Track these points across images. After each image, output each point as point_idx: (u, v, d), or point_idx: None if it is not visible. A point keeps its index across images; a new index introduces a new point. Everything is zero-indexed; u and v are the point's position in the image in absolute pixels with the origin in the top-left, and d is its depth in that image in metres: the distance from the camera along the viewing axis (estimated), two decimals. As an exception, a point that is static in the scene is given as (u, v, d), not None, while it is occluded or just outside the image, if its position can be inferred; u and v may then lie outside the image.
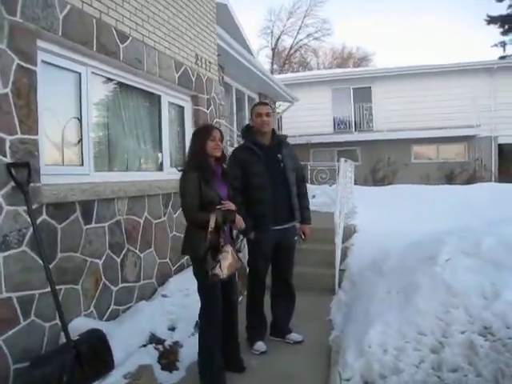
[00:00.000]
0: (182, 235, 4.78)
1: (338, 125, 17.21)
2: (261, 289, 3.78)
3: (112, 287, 3.75)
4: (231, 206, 3.09)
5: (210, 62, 5.70)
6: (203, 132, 3.17)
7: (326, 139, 16.50)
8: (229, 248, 3.05)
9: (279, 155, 3.64)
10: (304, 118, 16.36)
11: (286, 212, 3.62)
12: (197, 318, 4.10)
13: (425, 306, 3.31)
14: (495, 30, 26.64)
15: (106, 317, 3.66)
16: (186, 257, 4.98)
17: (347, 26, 49.44)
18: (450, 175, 16.19)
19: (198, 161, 3.05)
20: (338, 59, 34.73)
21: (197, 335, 3.95)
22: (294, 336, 3.84)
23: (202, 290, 3.18)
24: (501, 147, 16.95)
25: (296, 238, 3.79)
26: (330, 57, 35.38)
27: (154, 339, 3.58)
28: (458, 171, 16.21)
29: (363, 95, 16.83)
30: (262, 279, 3.78)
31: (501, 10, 28.14)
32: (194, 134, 3.23)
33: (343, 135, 16.56)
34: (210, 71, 5.71)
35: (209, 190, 3.02)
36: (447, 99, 15.70)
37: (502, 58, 23.78)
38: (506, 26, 25.89)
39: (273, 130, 3.74)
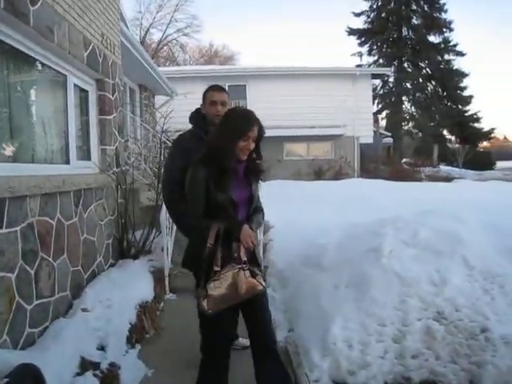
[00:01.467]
0: (93, 238, 4.26)
1: (213, 121, 17.17)
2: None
3: (26, 306, 3.03)
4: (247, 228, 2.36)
5: (114, 44, 5.06)
6: (238, 128, 2.41)
7: (200, 136, 16.35)
8: (230, 273, 2.28)
9: None
10: (179, 113, 15.93)
11: None
12: (127, 333, 3.63)
13: (382, 298, 3.34)
14: (355, 41, 29.63)
15: (20, 344, 2.94)
16: (97, 262, 4.35)
17: (216, 23, 49.96)
18: (318, 172, 17.33)
19: (214, 156, 2.37)
20: (205, 56, 34.79)
21: (131, 352, 3.48)
22: (243, 341, 3.28)
23: (198, 316, 2.66)
24: (360, 146, 18.72)
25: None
26: (197, 53, 35.25)
27: (87, 363, 2.99)
28: (326, 168, 17.46)
29: (238, 93, 17.01)
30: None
31: (359, 24, 31.16)
32: (227, 125, 2.46)
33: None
34: (114, 54, 5.07)
35: (218, 193, 2.33)
36: (317, 100, 16.78)
37: (359, 66, 26.42)
38: (363, 38, 28.82)
39: None
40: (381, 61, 28.81)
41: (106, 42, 4.78)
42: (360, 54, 29.38)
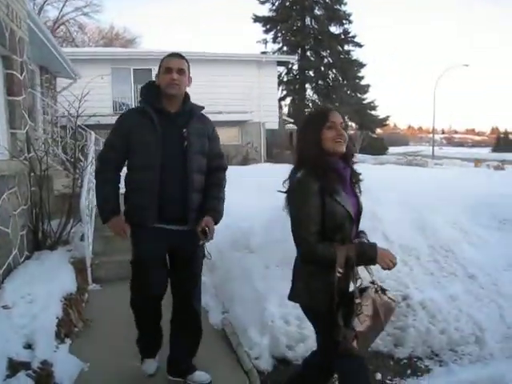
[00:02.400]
0: (8, 229, 3.91)
1: (120, 106, 16.44)
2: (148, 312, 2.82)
3: None
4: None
5: (20, 18, 4.64)
6: (315, 117, 2.13)
7: (105, 120, 15.56)
8: (369, 299, 1.95)
9: (185, 130, 2.58)
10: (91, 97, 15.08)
11: (177, 209, 2.58)
12: (55, 328, 3.42)
13: (313, 274, 3.51)
14: (260, 28, 29.86)
15: None
16: (13, 255, 4.03)
17: (117, 4, 47.49)
18: (226, 157, 17.40)
19: (314, 161, 2.00)
20: (105, 39, 32.96)
21: (62, 347, 3.30)
22: (199, 376, 2.84)
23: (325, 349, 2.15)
24: (266, 132, 19.16)
25: (201, 242, 2.59)
26: (96, 35, 33.28)
27: (16, 364, 2.79)
28: (234, 154, 17.63)
29: (144, 77, 16.44)
30: (151, 301, 2.75)
31: (264, 11, 31.47)
32: (304, 122, 2.17)
33: (124, 117, 15.93)
34: (21, 29, 4.65)
35: (335, 206, 1.95)
36: (224, 86, 16.76)
37: (264, 53, 26.82)
38: (268, 26, 29.26)
39: (186, 95, 2.69)
40: (285, 48, 29.57)
41: (12, 15, 4.36)
42: (265, 41, 29.94)
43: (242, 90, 17.11)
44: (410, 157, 25.04)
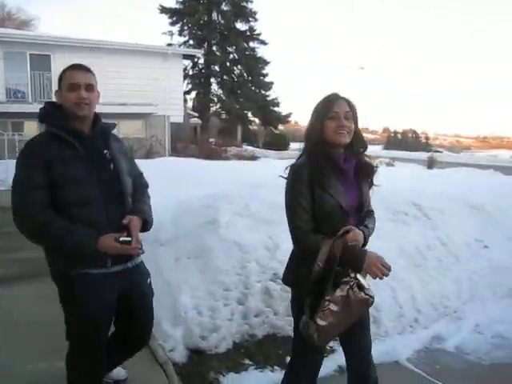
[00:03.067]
0: None
1: (15, 93, 15.18)
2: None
3: None
4: (356, 234, 1.95)
5: None
6: (319, 106, 2.04)
7: (-3, 109, 14.32)
8: (339, 295, 1.89)
9: (106, 151, 2.22)
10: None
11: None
12: None
13: (224, 265, 3.59)
14: (166, 20, 29.12)
15: None
16: None
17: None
18: (130, 150, 16.87)
19: (311, 151, 2.01)
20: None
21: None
22: (117, 373, 2.68)
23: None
24: (171, 125, 18.91)
25: (149, 280, 2.48)
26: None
27: None
28: (137, 147, 17.13)
29: (42, 63, 15.35)
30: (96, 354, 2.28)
31: (171, 3, 30.68)
32: (312, 111, 2.07)
33: (18, 105, 14.74)
34: None
35: (324, 197, 1.94)
36: (128, 77, 16.26)
37: (169, 45, 26.33)
38: (174, 18, 28.73)
39: (95, 114, 2.26)
40: (191, 42, 29.30)
41: None
42: (171, 33, 29.42)
43: (147, 82, 16.70)
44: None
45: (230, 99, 29.09)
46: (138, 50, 17.22)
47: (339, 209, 1.95)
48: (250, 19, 29.57)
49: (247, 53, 29.74)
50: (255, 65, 29.61)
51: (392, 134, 67.06)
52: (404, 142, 59.09)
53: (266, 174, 6.77)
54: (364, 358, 2.21)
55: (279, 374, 3.01)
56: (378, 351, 3.33)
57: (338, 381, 3.00)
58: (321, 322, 1.87)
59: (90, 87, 2.16)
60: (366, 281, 1.93)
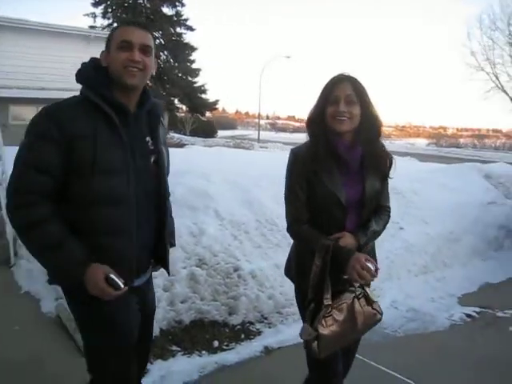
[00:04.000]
0: None
1: None
2: None
3: None
4: (346, 241, 1.78)
5: None
6: (323, 89, 1.84)
7: None
8: (344, 305, 1.77)
9: (148, 138, 1.75)
10: None
11: (148, 251, 1.80)
12: None
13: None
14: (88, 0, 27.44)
15: None
16: None
17: None
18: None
19: (312, 137, 1.84)
20: None
21: None
22: None
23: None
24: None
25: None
26: None
27: None
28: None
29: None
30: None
31: None
32: (320, 93, 1.86)
33: None
34: None
35: (318, 187, 1.79)
36: (48, 60, 15.28)
37: (92, 27, 25.01)
38: (97, -1, 27.24)
39: (143, 88, 1.74)
40: (115, 25, 27.97)
41: None
42: (94, 15, 27.88)
43: (68, 65, 15.74)
44: (238, 140, 26.35)
45: (156, 85, 28.31)
46: (56, 31, 16.16)
47: (336, 202, 1.77)
48: (177, 4, 28.79)
49: (174, 38, 29.03)
50: (182, 51, 28.97)
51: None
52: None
53: (192, 161, 6.74)
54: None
55: (207, 358, 3.05)
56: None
57: (264, 362, 3.08)
58: (322, 331, 1.69)
59: (147, 50, 1.66)
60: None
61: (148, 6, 28.39)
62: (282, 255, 4.04)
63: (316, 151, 1.78)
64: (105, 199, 1.59)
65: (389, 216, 1.99)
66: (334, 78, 1.82)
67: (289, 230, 1.88)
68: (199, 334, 3.29)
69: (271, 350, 3.21)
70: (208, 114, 35.54)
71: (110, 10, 28.25)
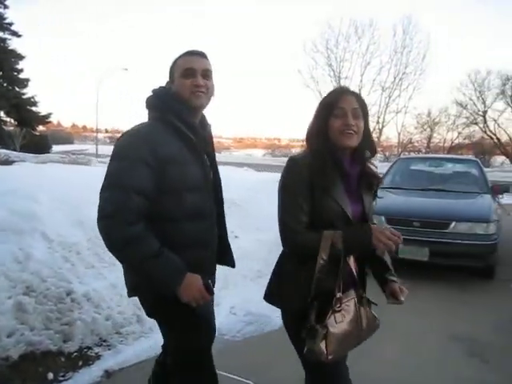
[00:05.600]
0: None
1: None
2: None
3: None
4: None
5: None
6: (324, 100, 1.78)
7: None
8: (352, 302, 1.69)
9: (205, 156, 1.94)
10: None
11: (215, 254, 2.01)
12: None
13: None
14: None
15: None
16: None
17: None
18: None
19: (314, 150, 1.75)
20: None
21: None
22: None
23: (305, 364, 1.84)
24: None
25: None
26: None
27: None
28: None
29: None
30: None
31: None
32: (317, 105, 1.80)
33: None
34: None
35: (328, 203, 1.69)
36: None
37: None
38: None
39: None
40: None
41: None
42: None
43: None
44: (74, 155, 24.77)
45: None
46: None
47: (343, 218, 1.71)
48: (-1, 5, 26.12)
49: (-4, 44, 26.19)
50: (7, 58, 26.25)
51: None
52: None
53: (20, 180, 6.18)
54: None
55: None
56: (144, 348, 3.47)
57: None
58: (333, 329, 1.59)
59: (208, 74, 1.88)
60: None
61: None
62: (118, 274, 3.97)
63: (323, 166, 1.69)
64: (193, 214, 1.80)
65: None
66: (337, 90, 1.81)
67: (286, 241, 1.73)
68: (31, 369, 3.04)
69: (112, 373, 3.14)
70: (41, 127, 32.77)
71: None
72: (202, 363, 1.95)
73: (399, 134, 36.61)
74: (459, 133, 35.20)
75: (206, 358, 1.99)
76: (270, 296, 1.86)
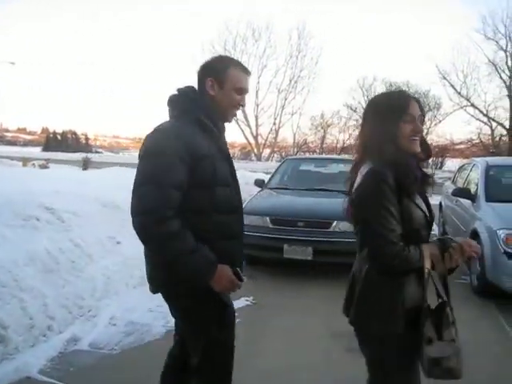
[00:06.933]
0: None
1: None
2: None
3: None
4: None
5: None
6: (392, 106, 1.68)
7: None
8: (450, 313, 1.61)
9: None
10: None
11: (243, 244, 2.14)
12: None
13: None
14: None
15: None
16: None
17: None
18: None
19: (393, 161, 1.63)
20: None
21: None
22: None
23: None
24: None
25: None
26: None
27: None
28: None
29: None
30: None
31: None
32: (376, 109, 1.72)
33: None
34: None
35: (413, 208, 1.65)
36: None
37: None
38: None
39: None
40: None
41: None
42: None
43: None
44: None
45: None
46: None
47: (425, 223, 1.70)
48: None
49: None
50: None
51: (51, 135, 64.65)
52: (64, 143, 58.24)
53: None
54: None
55: None
56: (7, 371, 3.12)
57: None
58: (458, 343, 1.57)
59: (247, 92, 2.04)
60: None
61: None
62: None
63: (411, 169, 1.66)
64: (224, 208, 1.90)
65: None
66: (404, 95, 1.76)
67: (385, 256, 1.59)
68: None
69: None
70: None
71: None
72: (230, 362, 2.04)
73: (295, 134, 37.95)
74: (350, 134, 37.19)
75: (232, 355, 2.07)
76: (360, 319, 1.74)
